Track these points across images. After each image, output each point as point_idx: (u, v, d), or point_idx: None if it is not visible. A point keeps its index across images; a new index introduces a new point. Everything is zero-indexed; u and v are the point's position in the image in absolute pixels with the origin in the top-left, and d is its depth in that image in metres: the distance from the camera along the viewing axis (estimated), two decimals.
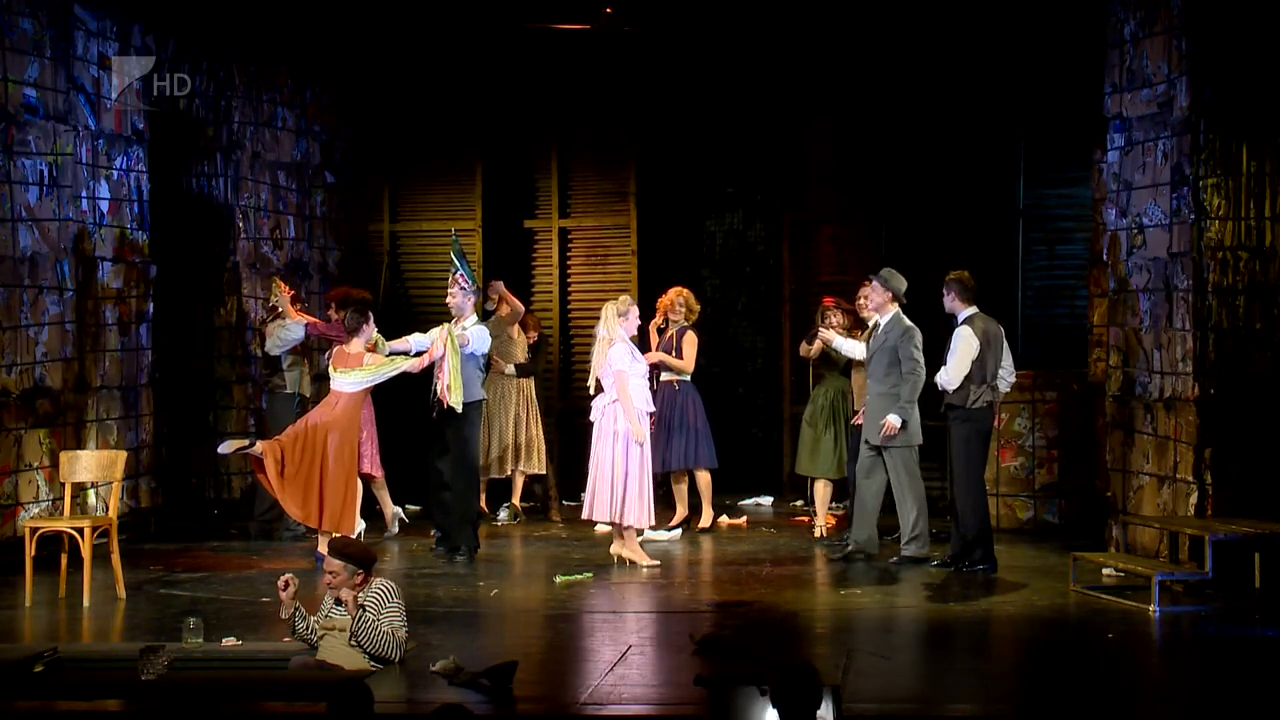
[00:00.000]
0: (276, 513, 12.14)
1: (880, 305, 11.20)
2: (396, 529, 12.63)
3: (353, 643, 7.63)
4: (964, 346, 10.68)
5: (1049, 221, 14.40)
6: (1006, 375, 10.86)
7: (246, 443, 11.32)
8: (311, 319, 12.43)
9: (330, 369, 11.38)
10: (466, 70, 14.89)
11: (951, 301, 10.86)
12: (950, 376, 10.68)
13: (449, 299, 11.69)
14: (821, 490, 12.51)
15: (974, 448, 10.79)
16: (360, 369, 11.21)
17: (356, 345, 11.31)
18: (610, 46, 14.05)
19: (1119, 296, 11.15)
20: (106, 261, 12.32)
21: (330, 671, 7.32)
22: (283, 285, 12.50)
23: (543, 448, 13.46)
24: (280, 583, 7.73)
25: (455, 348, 11.27)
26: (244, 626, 8.78)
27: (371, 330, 11.38)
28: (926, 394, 11.25)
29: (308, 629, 7.76)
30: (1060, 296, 13.91)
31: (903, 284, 11.20)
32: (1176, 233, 10.42)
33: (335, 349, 11.50)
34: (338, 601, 7.73)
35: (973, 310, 10.81)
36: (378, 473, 12.51)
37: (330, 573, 7.73)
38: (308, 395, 12.40)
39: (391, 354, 11.46)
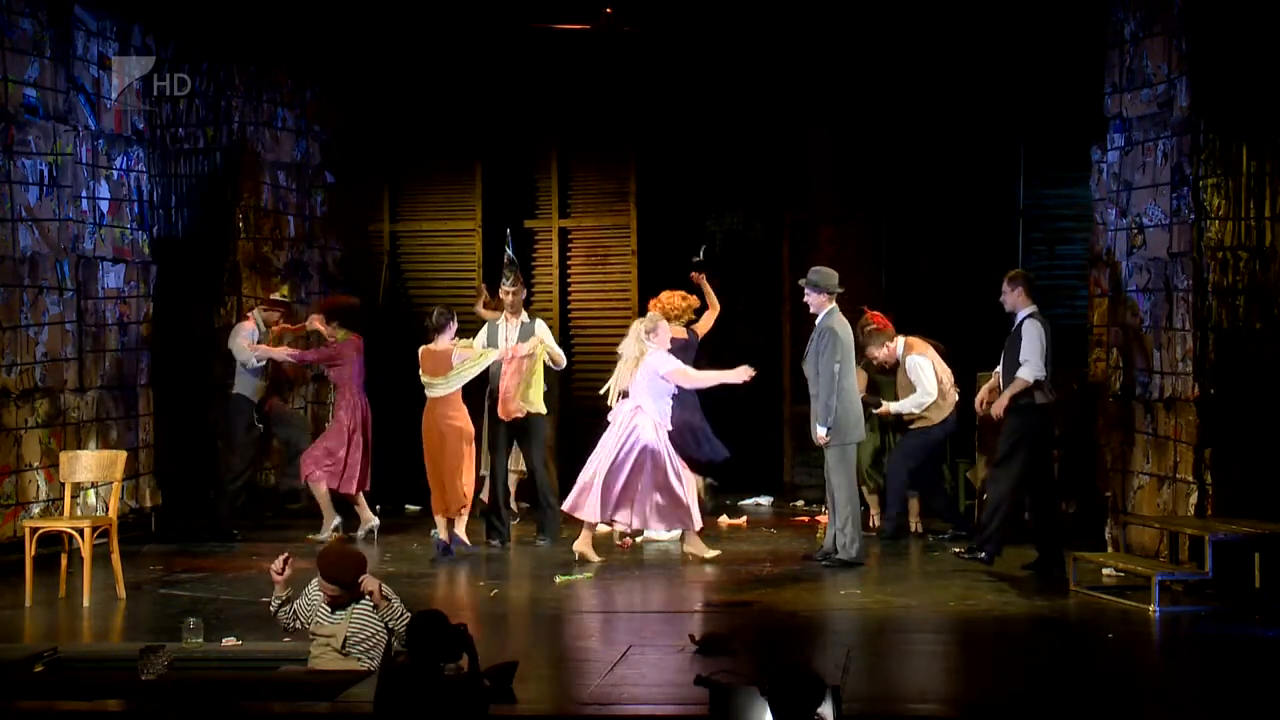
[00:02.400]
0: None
1: (820, 304, 11.14)
2: (364, 535, 12.30)
3: (349, 649, 7.42)
4: (1040, 334, 10.61)
5: (1049, 221, 14.42)
6: None
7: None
8: (291, 351, 12.41)
9: (421, 376, 11.49)
10: (466, 70, 14.87)
11: (1017, 297, 10.74)
12: (1038, 364, 10.58)
13: (514, 296, 11.87)
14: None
15: (1032, 446, 10.74)
16: (448, 374, 11.37)
17: (443, 342, 11.46)
18: (610, 46, 14.03)
19: (1119, 296, 11.15)
20: (106, 261, 12.32)
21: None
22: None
23: None
24: (277, 564, 7.46)
25: (541, 357, 11.63)
26: (244, 626, 8.77)
27: (454, 328, 11.58)
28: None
29: (289, 613, 7.47)
30: (1060, 296, 13.89)
31: (834, 277, 11.14)
32: (1176, 233, 10.41)
33: (422, 350, 11.56)
34: (335, 608, 7.37)
35: (1034, 308, 10.78)
36: (354, 489, 12.34)
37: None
38: (254, 399, 12.41)
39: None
